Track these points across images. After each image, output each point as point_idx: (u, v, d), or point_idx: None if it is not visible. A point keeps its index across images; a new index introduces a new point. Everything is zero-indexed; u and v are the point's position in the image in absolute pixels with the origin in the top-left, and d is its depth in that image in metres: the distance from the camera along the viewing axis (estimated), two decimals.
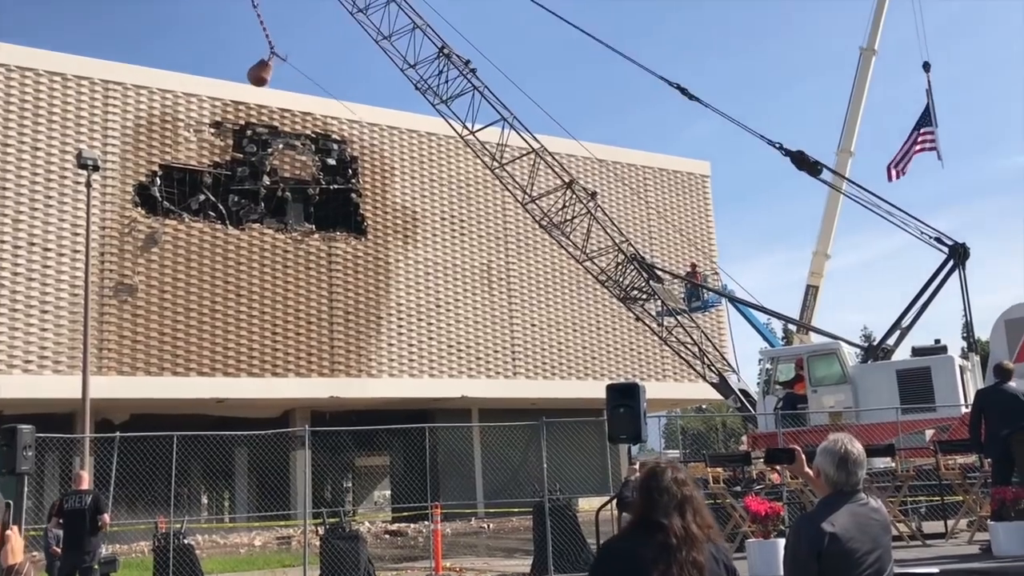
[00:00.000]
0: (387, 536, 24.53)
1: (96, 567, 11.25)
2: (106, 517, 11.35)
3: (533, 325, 29.13)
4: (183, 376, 23.25)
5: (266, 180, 25.58)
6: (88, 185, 20.04)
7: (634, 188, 31.93)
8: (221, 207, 24.92)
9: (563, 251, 28.40)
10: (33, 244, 22.09)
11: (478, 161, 28.72)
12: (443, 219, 28.25)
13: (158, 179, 24.16)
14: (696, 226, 33.44)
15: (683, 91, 19.26)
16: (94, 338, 21.03)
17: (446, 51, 19.29)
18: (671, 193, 33.23)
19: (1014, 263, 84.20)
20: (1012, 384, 9.80)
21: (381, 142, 27.66)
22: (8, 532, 2.57)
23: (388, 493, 36.01)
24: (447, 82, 19.35)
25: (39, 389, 21.40)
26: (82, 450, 17.94)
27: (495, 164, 19.83)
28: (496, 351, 28.25)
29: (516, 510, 23.65)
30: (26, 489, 10.06)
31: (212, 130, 25.15)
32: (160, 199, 24.07)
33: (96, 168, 20.63)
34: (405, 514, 24.72)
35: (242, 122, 25.55)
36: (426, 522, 21.36)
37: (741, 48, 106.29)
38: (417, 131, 28.33)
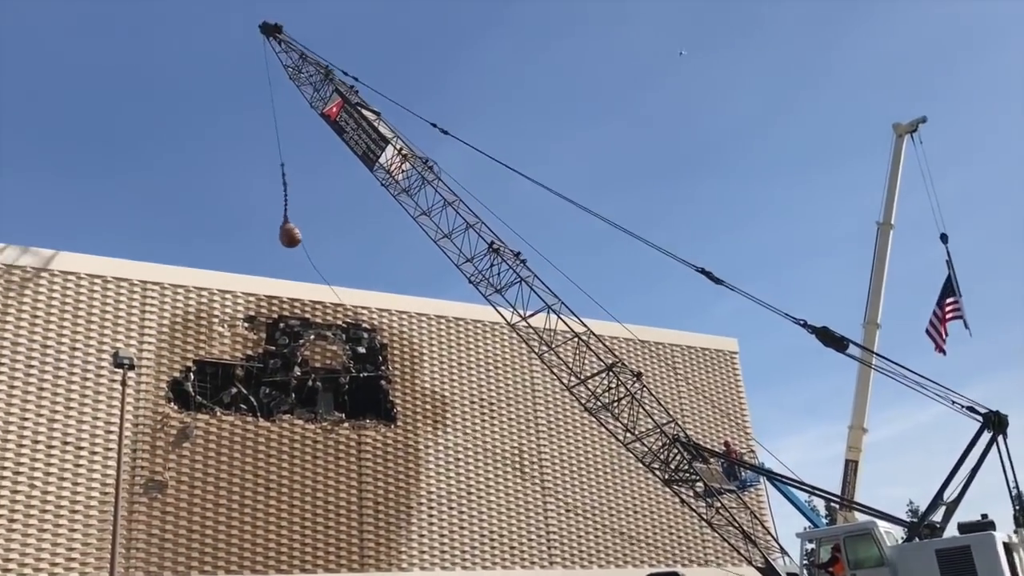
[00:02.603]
0: None
1: None
2: None
3: (568, 511, 28.42)
4: (210, 575, 22.67)
5: (297, 371, 25.87)
6: (123, 384, 20.36)
7: (666, 366, 31.94)
8: (253, 399, 25.11)
9: (595, 434, 28.21)
10: (67, 443, 22.19)
11: (505, 345, 29.13)
12: (472, 403, 28.22)
13: (191, 374, 24.51)
14: (728, 403, 33.14)
15: (708, 275, 19.65)
16: (123, 537, 20.74)
17: (496, 246, 20.85)
18: (702, 370, 33.18)
19: None
20: None
21: (410, 329, 28.10)
22: None
23: None
24: (499, 273, 20.70)
25: None
26: None
27: (543, 349, 20.41)
28: (530, 539, 27.43)
29: None
30: None
31: (246, 324, 25.71)
32: (193, 394, 24.32)
33: (132, 367, 21.06)
34: None
35: (275, 315, 26.14)
36: None
37: (764, 223, 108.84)
38: (444, 316, 28.82)
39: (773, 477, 23.26)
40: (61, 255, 23.89)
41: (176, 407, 23.98)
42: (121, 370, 20.89)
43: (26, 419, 21.95)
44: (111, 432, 22.25)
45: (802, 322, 19.31)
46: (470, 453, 27.56)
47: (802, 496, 28.23)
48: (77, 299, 23.61)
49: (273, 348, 25.84)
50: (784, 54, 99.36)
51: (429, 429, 27.21)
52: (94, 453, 22.42)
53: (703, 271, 19.69)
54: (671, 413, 21.99)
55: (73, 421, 22.47)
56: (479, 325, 29.13)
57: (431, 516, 26.18)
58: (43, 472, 21.72)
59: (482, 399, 28.49)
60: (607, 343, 22.25)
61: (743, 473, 23.83)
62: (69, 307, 23.42)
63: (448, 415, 27.68)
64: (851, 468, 27.15)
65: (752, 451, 28.88)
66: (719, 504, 20.91)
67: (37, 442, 21.91)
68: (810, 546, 19.87)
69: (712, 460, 22.22)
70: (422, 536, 25.83)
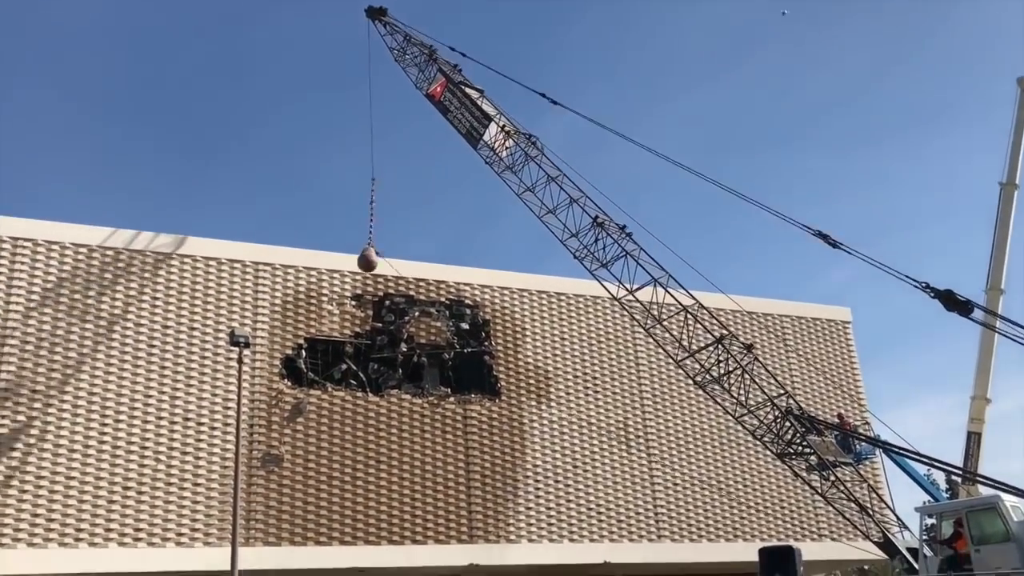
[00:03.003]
0: None
1: None
2: None
3: (676, 484, 28.16)
4: (326, 545, 23.40)
5: (403, 347, 26.34)
6: (239, 361, 21.09)
7: (776, 337, 31.23)
8: (362, 375, 25.70)
9: (702, 406, 27.82)
10: (188, 419, 23.20)
11: (607, 318, 28.96)
12: (576, 377, 28.20)
13: (303, 351, 25.24)
14: (841, 374, 32.17)
15: (825, 238, 19.00)
16: (243, 509, 21.58)
17: (600, 220, 20.79)
18: (813, 341, 32.29)
19: None
20: None
21: (512, 305, 28.22)
22: None
23: None
24: (604, 248, 20.58)
25: (190, 562, 21.92)
26: None
27: (650, 323, 20.24)
28: (638, 513, 27.32)
29: None
30: None
31: (353, 303, 26.29)
32: (305, 370, 25.06)
33: (247, 345, 21.83)
34: None
35: (381, 293, 26.65)
36: None
37: (872, 190, 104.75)
38: (546, 292, 28.82)
39: (890, 449, 22.47)
40: (176, 239, 24.87)
41: (289, 383, 24.76)
42: (237, 348, 21.68)
43: (150, 396, 23.03)
44: (229, 408, 23.13)
45: (924, 285, 18.47)
46: (575, 426, 27.57)
47: (921, 469, 27.24)
48: (194, 281, 24.58)
49: (380, 325, 26.38)
50: (895, 7, 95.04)
51: (533, 403, 27.33)
52: (213, 428, 23.36)
53: (820, 234, 19.04)
54: (783, 385, 21.54)
55: (193, 398, 23.45)
56: (581, 299, 29.03)
57: (537, 489, 26.35)
58: (167, 447, 22.77)
59: (586, 373, 28.42)
60: (715, 315, 21.92)
61: (858, 446, 23.09)
62: (187, 289, 24.41)
63: (552, 389, 27.73)
64: (974, 440, 26.08)
65: (867, 423, 27.94)
66: (834, 477, 20.40)
67: (161, 418, 22.97)
68: (930, 521, 19.17)
69: (826, 432, 21.66)
70: (529, 509, 26.03)
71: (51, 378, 22.25)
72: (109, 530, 21.61)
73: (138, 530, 21.83)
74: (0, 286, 22.55)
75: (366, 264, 24.61)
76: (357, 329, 26.17)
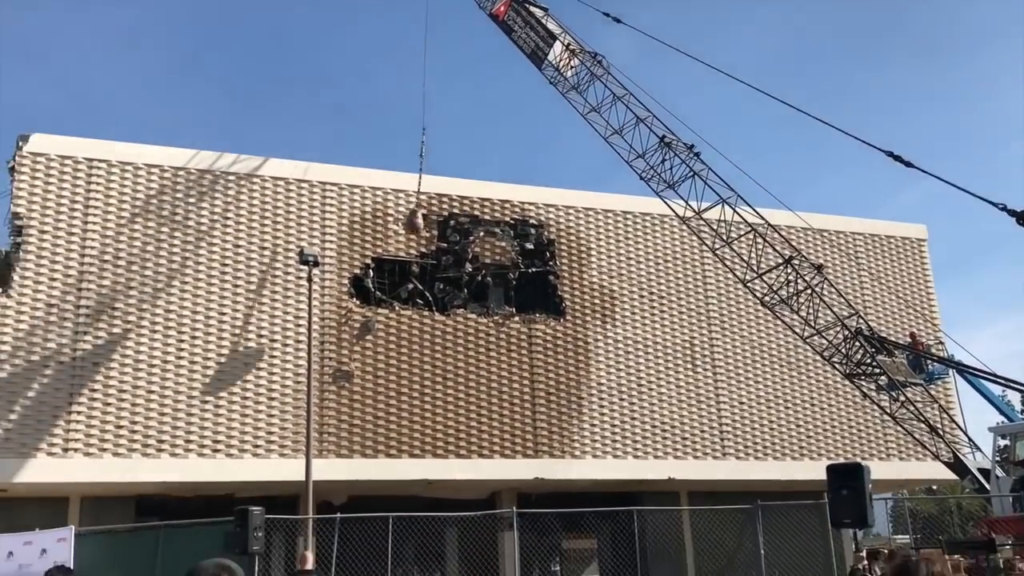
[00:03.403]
0: None
1: None
2: None
3: (741, 403, 28.12)
4: (395, 458, 24.07)
5: (468, 267, 26.50)
6: (309, 280, 21.48)
7: (848, 256, 30.59)
8: (428, 295, 26.00)
9: (770, 326, 27.53)
10: (261, 336, 23.84)
11: (675, 237, 28.64)
12: (641, 297, 28.09)
13: (371, 271, 25.60)
14: (915, 293, 31.44)
15: (896, 158, 18.34)
16: (315, 423, 22.26)
17: (667, 140, 20.43)
18: (886, 260, 31.54)
19: None
20: None
21: (577, 224, 28.07)
22: None
23: None
24: (671, 168, 20.28)
25: (266, 472, 22.80)
26: (306, 531, 18.82)
27: (717, 244, 19.99)
28: (703, 431, 27.41)
29: None
30: (257, 569, 10.61)
31: (422, 225, 26.43)
32: (372, 290, 25.44)
33: (316, 264, 22.22)
34: None
35: (446, 213, 26.73)
36: None
37: (945, 108, 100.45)
38: (612, 210, 28.56)
39: (963, 369, 22.03)
40: (243, 159, 25.20)
41: (358, 303, 25.19)
42: (307, 267, 22.10)
43: (224, 314, 23.69)
44: (300, 326, 23.66)
45: (1001, 206, 17.81)
46: (640, 346, 27.59)
47: (996, 390, 26.64)
48: (263, 201, 24.96)
49: (445, 245, 26.52)
50: None
51: (598, 322, 27.37)
52: (286, 346, 23.98)
53: (891, 154, 18.39)
54: (853, 305, 21.19)
55: (266, 316, 24.04)
56: (647, 218, 28.73)
57: (602, 406, 26.57)
58: (242, 364, 23.49)
59: (651, 292, 28.29)
60: (785, 235, 21.51)
61: (930, 366, 22.69)
62: (256, 209, 24.82)
63: (617, 309, 27.70)
64: None
65: (940, 343, 27.42)
66: (904, 397, 20.14)
67: (236, 336, 23.65)
68: (1004, 442, 18.88)
69: (897, 353, 21.31)
70: (593, 425, 26.31)
71: (130, 296, 23.00)
72: (189, 441, 22.54)
73: (216, 441, 22.73)
74: (79, 208, 23.23)
75: (411, 228, 24.92)
76: (423, 249, 26.38)
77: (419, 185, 24.76)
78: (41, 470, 21.28)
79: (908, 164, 18.37)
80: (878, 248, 31.59)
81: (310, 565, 12.26)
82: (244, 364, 23.48)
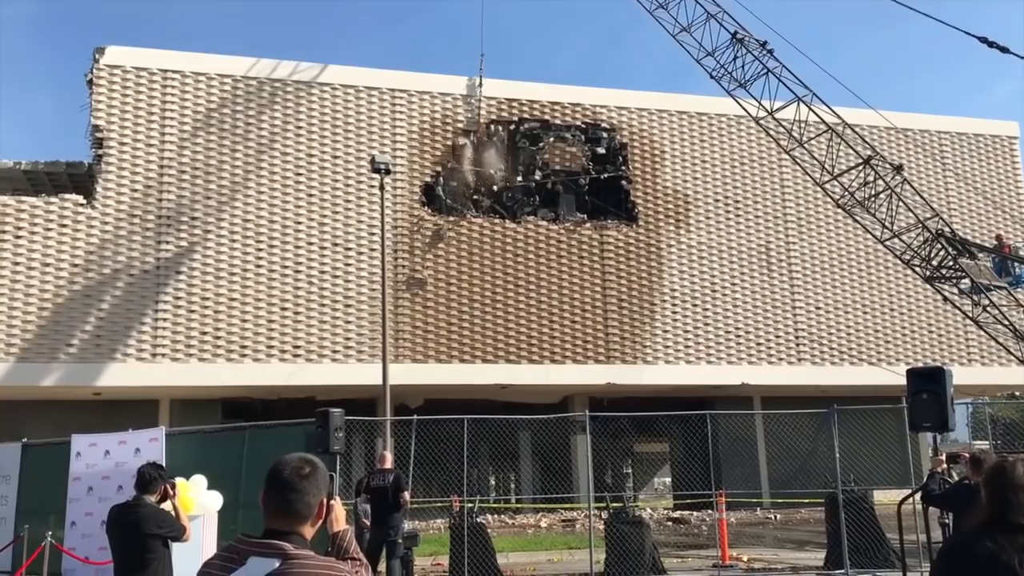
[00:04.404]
0: (669, 523, 24.40)
1: (400, 541, 12.10)
2: (406, 495, 12.19)
3: (818, 308, 27.67)
4: (469, 363, 24.46)
5: (538, 174, 26.27)
6: (381, 188, 21.59)
7: (932, 156, 29.41)
8: (499, 204, 25.96)
9: (848, 229, 26.81)
10: (336, 244, 24.19)
11: (751, 140, 27.84)
12: (716, 201, 27.55)
13: (441, 178, 25.57)
14: (1003, 194, 30.16)
15: (989, 43, 17.27)
16: (391, 329, 22.65)
17: (739, 36, 19.58)
18: (974, 159, 30.24)
19: None
20: None
21: (650, 127, 27.47)
22: (332, 502, 2.73)
23: (668, 480, 35.85)
24: (743, 66, 19.46)
25: (345, 376, 23.44)
26: (384, 432, 19.38)
27: (792, 144, 19.28)
28: (778, 336, 27.13)
29: (805, 501, 22.62)
30: (338, 467, 10.98)
31: (488, 128, 26.19)
32: (444, 197, 25.46)
33: (388, 172, 22.24)
34: (687, 501, 24.45)
35: (515, 118, 26.39)
36: (709, 511, 21.01)
37: None
38: (686, 112, 27.85)
39: None
40: (316, 67, 25.14)
41: (429, 211, 25.28)
42: (379, 175, 22.15)
43: (299, 222, 24.05)
44: (373, 234, 23.90)
45: None
46: (714, 251, 27.20)
47: None
48: (334, 109, 24.99)
49: (515, 152, 26.27)
50: None
51: (671, 228, 27.01)
52: (360, 253, 24.31)
53: (984, 40, 17.33)
54: (935, 207, 20.42)
55: (340, 224, 24.34)
56: (723, 120, 27.93)
57: (675, 312, 26.44)
58: (318, 271, 23.93)
59: (727, 196, 27.71)
60: (865, 134, 20.66)
61: (1017, 268, 21.85)
62: (328, 117, 24.88)
63: (691, 213, 27.26)
64: None
65: None
66: (987, 301, 19.52)
67: (311, 244, 24.03)
68: None
69: (981, 255, 20.57)
70: (666, 331, 26.24)
71: (208, 205, 23.49)
72: (271, 347, 23.23)
73: (296, 347, 23.38)
74: (155, 118, 23.59)
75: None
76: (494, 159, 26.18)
77: (479, 88, 24.22)
78: (132, 374, 22.26)
79: (1004, 50, 17.31)
80: (965, 147, 30.28)
81: (389, 464, 12.60)
82: (320, 272, 23.92)
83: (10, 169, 24.63)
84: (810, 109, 19.18)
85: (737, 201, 27.74)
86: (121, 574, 6.32)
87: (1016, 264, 21.97)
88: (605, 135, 27.05)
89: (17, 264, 22.11)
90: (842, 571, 13.08)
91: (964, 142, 30.30)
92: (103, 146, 23.16)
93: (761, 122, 19.80)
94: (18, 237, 22.25)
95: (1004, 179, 30.41)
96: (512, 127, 26.39)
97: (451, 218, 25.35)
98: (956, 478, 9.20)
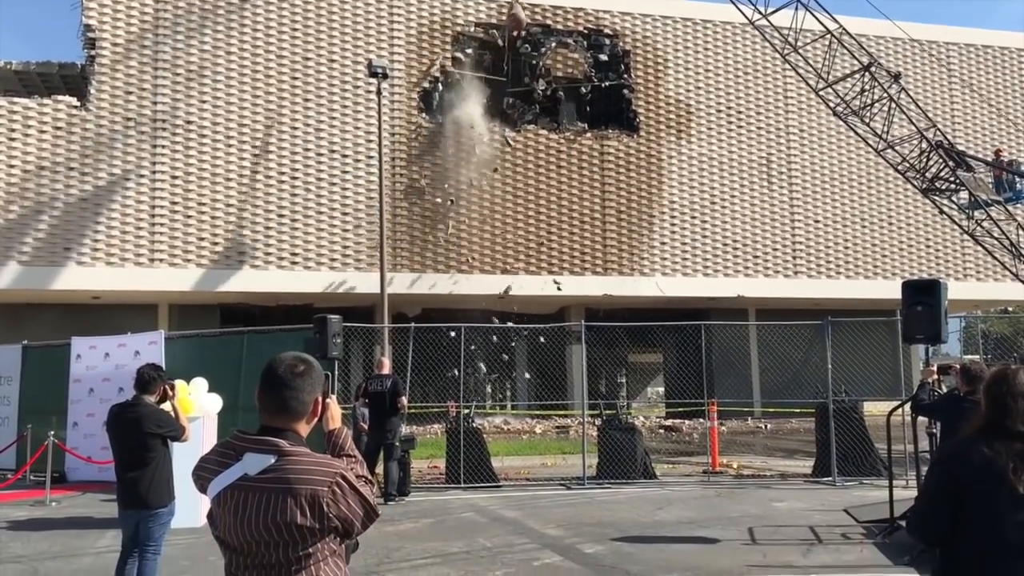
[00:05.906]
0: (661, 431, 24.87)
1: (397, 444, 12.35)
2: (404, 399, 12.39)
3: (816, 221, 27.61)
4: (467, 273, 24.50)
5: (541, 83, 25.83)
6: (379, 93, 21.23)
7: (939, 66, 28.91)
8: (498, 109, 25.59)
9: (850, 142, 26.53)
10: (333, 151, 23.93)
11: (757, 49, 27.29)
12: (718, 111, 27.19)
13: (440, 84, 25.13)
14: (1012, 107, 29.74)
15: None
16: (389, 238, 22.60)
17: None
18: (981, 71, 29.73)
19: None
20: None
21: (654, 34, 26.91)
22: (328, 400, 2.75)
23: (661, 390, 36.36)
24: None
25: (348, 284, 23.50)
26: (382, 339, 19.56)
27: (786, 49, 18.83)
28: (775, 249, 27.14)
29: (796, 411, 23.01)
30: (336, 372, 11.10)
31: (488, 33, 25.64)
32: (442, 103, 25.05)
33: (385, 76, 21.86)
34: (679, 410, 24.85)
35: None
36: (701, 419, 21.36)
37: None
38: (691, 19, 27.25)
39: None
40: None
41: (427, 117, 24.92)
42: (376, 80, 21.77)
43: (296, 128, 23.74)
44: (371, 140, 23.61)
45: None
46: (715, 162, 26.98)
47: None
48: (330, 12, 24.39)
49: (515, 58, 25.76)
50: None
51: (672, 138, 26.73)
52: (357, 160, 24.07)
53: None
54: (937, 118, 20.16)
55: (337, 130, 24.02)
56: (728, 28, 27.35)
57: (673, 224, 26.38)
58: (315, 178, 23.73)
59: (729, 107, 27.34)
60: (870, 43, 20.22)
61: (1019, 184, 21.70)
62: (324, 19, 24.31)
63: (693, 123, 26.94)
64: None
65: None
66: (984, 216, 19.46)
67: (307, 150, 23.78)
68: None
69: (980, 168, 20.41)
70: (663, 243, 26.23)
71: (203, 108, 23.14)
72: (268, 253, 23.21)
73: (294, 254, 23.37)
74: (148, 18, 23.04)
75: (514, 22, 24.30)
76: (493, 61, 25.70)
77: None
78: (130, 278, 22.31)
79: None
80: (972, 58, 29.74)
81: (387, 370, 12.77)
82: (317, 179, 23.73)
83: (1, 69, 24.19)
84: (810, 12, 18.62)
85: (739, 112, 27.38)
86: (122, 472, 6.44)
87: (1017, 179, 21.84)
88: (608, 42, 26.51)
89: (12, 167, 21.91)
90: (829, 479, 13.38)
91: (972, 54, 29.74)
92: (96, 47, 22.69)
93: (756, 25, 19.25)
94: (11, 139, 21.99)
95: (1013, 92, 29.97)
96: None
97: (450, 125, 24.97)
98: (945, 390, 9.32)
